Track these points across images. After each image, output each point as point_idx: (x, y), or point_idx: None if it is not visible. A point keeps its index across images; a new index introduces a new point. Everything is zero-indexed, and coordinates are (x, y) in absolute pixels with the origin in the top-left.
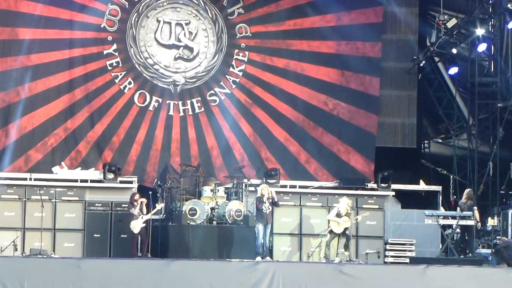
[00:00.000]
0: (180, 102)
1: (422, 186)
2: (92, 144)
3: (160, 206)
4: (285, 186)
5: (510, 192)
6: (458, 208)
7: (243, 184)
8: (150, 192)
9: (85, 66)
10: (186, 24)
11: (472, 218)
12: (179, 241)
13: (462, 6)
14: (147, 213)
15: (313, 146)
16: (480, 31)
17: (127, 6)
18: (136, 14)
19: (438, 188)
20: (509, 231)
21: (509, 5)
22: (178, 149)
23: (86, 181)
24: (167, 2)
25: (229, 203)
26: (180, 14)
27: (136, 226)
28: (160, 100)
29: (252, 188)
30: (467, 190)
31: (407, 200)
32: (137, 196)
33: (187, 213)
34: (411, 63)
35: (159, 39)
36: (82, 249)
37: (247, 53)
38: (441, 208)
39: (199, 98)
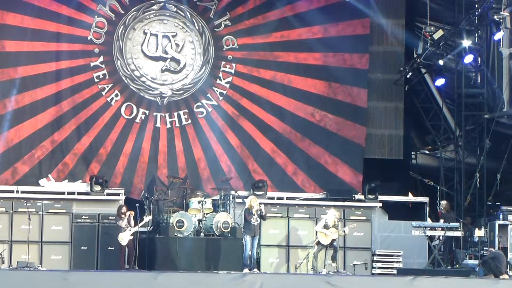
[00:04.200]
0: (167, 114)
1: (409, 197)
2: (79, 156)
3: (147, 218)
4: (272, 198)
5: (497, 203)
6: (442, 220)
7: (231, 196)
8: (137, 204)
9: (72, 79)
10: (173, 36)
11: (460, 229)
12: (166, 253)
13: (448, 18)
14: (135, 225)
15: (300, 157)
16: (466, 43)
17: (113, 19)
18: (122, 26)
19: (425, 199)
20: (496, 242)
21: (495, 17)
22: (165, 161)
23: (73, 193)
24: (154, 14)
25: (216, 215)
26: (167, 26)
27: (124, 238)
28: (147, 112)
29: (239, 200)
30: (446, 202)
31: (395, 211)
32: (124, 209)
33: (175, 225)
34: (398, 75)
35: (145, 51)
36: (69, 261)
37: (234, 65)
38: (428, 219)
39: (186, 110)
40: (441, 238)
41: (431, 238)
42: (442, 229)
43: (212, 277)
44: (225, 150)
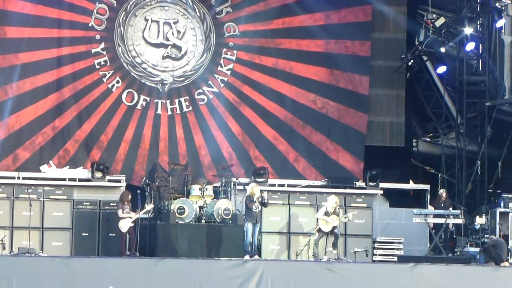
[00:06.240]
0: (168, 101)
1: (410, 184)
2: (80, 142)
3: (149, 207)
4: (273, 185)
5: (498, 191)
6: (451, 208)
7: (232, 183)
8: (138, 191)
9: (73, 65)
10: (174, 23)
11: (461, 217)
12: (167, 240)
13: (450, 5)
14: (136, 213)
15: (302, 144)
16: (468, 30)
17: (115, 5)
18: (124, 12)
19: (426, 186)
20: (497, 229)
21: (497, 4)
22: (166, 148)
23: (74, 179)
24: (155, 1)
25: (217, 202)
26: (168, 13)
27: (124, 225)
28: (148, 99)
29: (240, 187)
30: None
31: (396, 198)
32: (129, 196)
33: (176, 212)
34: (399, 62)
35: (147, 38)
36: (70, 247)
37: (235, 52)
38: (429, 206)
39: (187, 97)
40: (443, 226)
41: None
42: (442, 216)
43: (213, 263)
44: (226, 137)
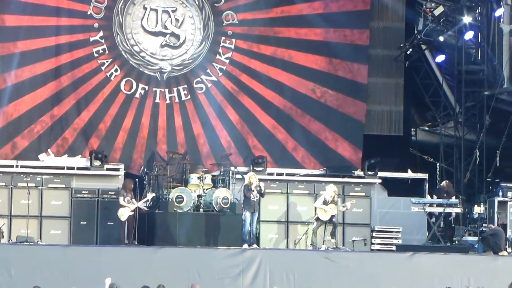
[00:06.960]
0: (166, 90)
1: (408, 173)
2: (79, 131)
3: (150, 196)
4: (272, 174)
5: (496, 180)
6: (435, 196)
7: (230, 172)
8: (137, 180)
9: (72, 53)
10: (173, 11)
11: (459, 206)
12: (166, 228)
13: None
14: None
15: (300, 133)
16: (467, 19)
17: None
18: (122, 1)
19: (425, 175)
20: (496, 218)
21: None
22: (164, 137)
23: (72, 168)
24: None
25: (216, 191)
26: (167, 1)
27: (124, 213)
28: (147, 87)
29: (239, 176)
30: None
31: (394, 187)
32: (131, 185)
33: (174, 200)
34: (398, 51)
35: (145, 26)
36: (69, 236)
37: (234, 40)
38: (428, 195)
39: (186, 86)
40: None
41: (431, 215)
42: (441, 205)
43: (212, 252)
44: (225, 126)
